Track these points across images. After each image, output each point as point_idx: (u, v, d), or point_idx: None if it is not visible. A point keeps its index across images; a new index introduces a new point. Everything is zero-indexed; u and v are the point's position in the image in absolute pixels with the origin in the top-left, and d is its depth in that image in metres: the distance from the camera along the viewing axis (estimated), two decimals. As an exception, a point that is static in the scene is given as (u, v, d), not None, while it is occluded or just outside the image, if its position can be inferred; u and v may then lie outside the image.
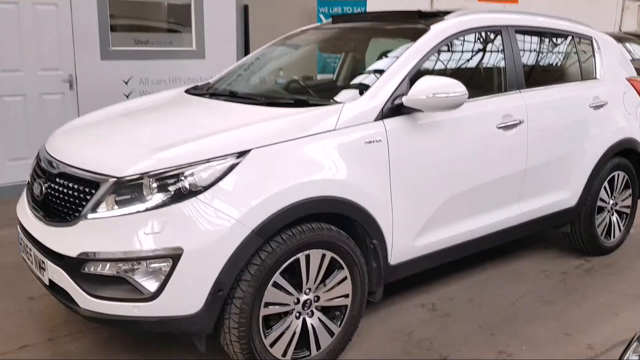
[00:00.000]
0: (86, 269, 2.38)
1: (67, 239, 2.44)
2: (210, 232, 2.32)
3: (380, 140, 2.78)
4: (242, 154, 2.45)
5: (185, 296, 2.34)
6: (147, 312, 2.33)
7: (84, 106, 5.34)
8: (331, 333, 2.75)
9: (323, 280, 2.69)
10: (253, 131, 2.58)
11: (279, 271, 2.49)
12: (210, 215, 2.34)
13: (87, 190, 2.45)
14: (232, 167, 2.41)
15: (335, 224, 2.69)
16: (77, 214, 2.44)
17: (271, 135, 2.56)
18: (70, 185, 2.53)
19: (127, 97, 5.61)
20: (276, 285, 2.50)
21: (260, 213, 2.40)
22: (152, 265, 2.32)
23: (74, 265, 2.40)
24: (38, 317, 3.19)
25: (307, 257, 2.57)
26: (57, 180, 2.60)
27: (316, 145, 2.62)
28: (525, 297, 3.57)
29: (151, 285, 2.33)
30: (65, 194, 2.54)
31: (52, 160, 2.71)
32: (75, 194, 2.49)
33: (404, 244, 2.98)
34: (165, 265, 2.31)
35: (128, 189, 2.38)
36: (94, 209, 2.40)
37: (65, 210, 2.51)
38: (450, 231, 3.21)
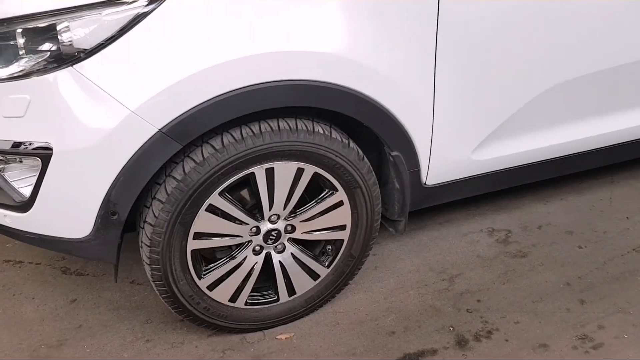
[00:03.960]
0: (-46, 152, 1.68)
1: None
2: (90, 127, 1.46)
3: (424, -18, 1.59)
4: (157, -3, 1.45)
5: (64, 214, 1.58)
6: (21, 225, 1.63)
7: None
8: (314, 275, 1.88)
9: (303, 204, 1.77)
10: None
11: (218, 190, 1.61)
12: (91, 98, 1.45)
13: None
14: (135, 20, 1.45)
15: (330, 120, 1.69)
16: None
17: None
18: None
19: None
20: (213, 209, 1.63)
21: (175, 102, 1.46)
22: (24, 162, 1.56)
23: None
24: None
25: (270, 172, 1.64)
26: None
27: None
28: (660, 240, 2.36)
29: (24, 189, 1.59)
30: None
31: None
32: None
33: (452, 156, 1.89)
34: (35, 166, 1.53)
35: (-10, 42, 1.54)
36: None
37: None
38: (545, 139, 2.03)
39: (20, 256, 2.24)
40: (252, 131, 1.57)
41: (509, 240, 2.36)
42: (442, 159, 1.87)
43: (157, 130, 1.46)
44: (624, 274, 2.17)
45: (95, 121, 1.45)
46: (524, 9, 1.73)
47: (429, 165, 1.85)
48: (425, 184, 1.91)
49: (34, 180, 1.54)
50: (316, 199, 1.76)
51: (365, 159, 1.76)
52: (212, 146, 1.55)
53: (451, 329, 1.93)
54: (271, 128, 1.59)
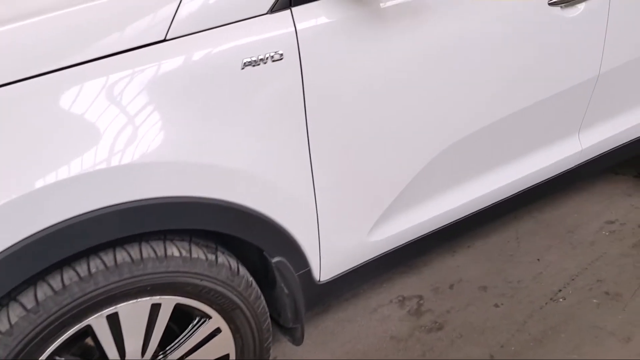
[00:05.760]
0: None
1: None
2: None
3: (281, 56, 1.27)
4: None
5: None
6: None
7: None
8: (196, 422, 1.49)
9: (172, 340, 1.38)
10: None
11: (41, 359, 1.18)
12: None
13: None
14: None
15: (189, 233, 1.33)
16: None
17: (10, 59, 1.09)
18: None
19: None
20: (38, 385, 1.20)
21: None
22: None
23: None
24: None
25: (114, 318, 1.24)
26: None
27: (111, 82, 1.14)
28: (575, 280, 2.20)
29: None
30: None
31: None
32: None
33: (346, 245, 1.59)
34: None
35: None
36: None
37: None
38: (447, 202, 1.78)
39: None
40: (78, 274, 1.17)
41: (422, 310, 2.10)
42: (335, 251, 1.56)
43: None
44: (546, 332, 1.97)
45: None
46: (416, 76, 1.47)
47: (320, 262, 1.54)
48: (319, 281, 1.59)
49: None
50: (184, 334, 1.38)
51: (243, 270, 1.41)
52: (22, 305, 1.13)
53: None
54: (105, 265, 1.19)
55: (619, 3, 1.89)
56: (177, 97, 1.17)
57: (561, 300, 2.11)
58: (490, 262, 2.32)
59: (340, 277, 1.64)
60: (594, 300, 2.09)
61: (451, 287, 2.20)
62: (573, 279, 2.20)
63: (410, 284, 2.22)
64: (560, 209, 2.60)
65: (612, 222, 2.51)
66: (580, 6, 1.79)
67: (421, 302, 2.13)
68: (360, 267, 1.69)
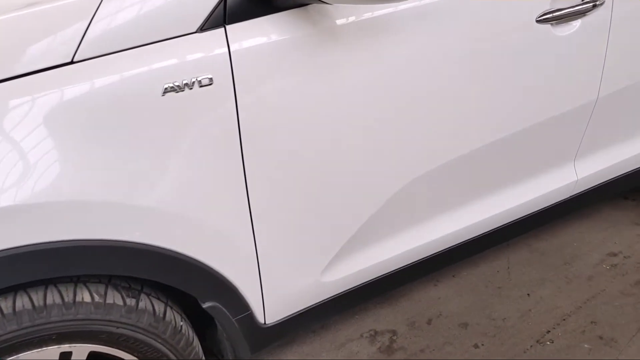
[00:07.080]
0: None
1: None
2: None
3: (210, 80, 1.12)
4: None
5: None
6: None
7: None
8: None
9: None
10: None
11: None
12: None
13: None
14: None
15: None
16: None
17: None
18: None
19: None
20: None
21: None
22: None
23: None
24: None
25: (12, 371, 1.11)
26: None
27: (5, 110, 1.00)
28: (567, 321, 2.01)
29: None
30: None
31: None
32: None
33: (295, 286, 1.44)
34: None
35: None
36: None
37: None
38: (412, 240, 1.62)
39: None
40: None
41: (394, 347, 1.94)
42: (282, 294, 1.41)
43: None
44: (530, 382, 1.80)
45: None
46: (355, 109, 1.31)
47: (264, 305, 1.39)
48: (265, 324, 1.44)
49: None
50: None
51: (170, 314, 1.27)
52: None
53: None
54: (1, 312, 1.06)
55: (622, 18, 1.70)
56: (83, 127, 1.03)
57: (548, 343, 1.93)
58: (475, 294, 2.14)
59: (290, 318, 1.49)
60: (586, 345, 1.91)
61: (429, 322, 2.03)
62: (564, 319, 2.02)
63: (384, 317, 2.06)
64: (558, 237, 2.41)
65: (614, 255, 2.31)
66: (576, 23, 1.61)
67: (394, 337, 1.97)
68: (316, 306, 1.54)
